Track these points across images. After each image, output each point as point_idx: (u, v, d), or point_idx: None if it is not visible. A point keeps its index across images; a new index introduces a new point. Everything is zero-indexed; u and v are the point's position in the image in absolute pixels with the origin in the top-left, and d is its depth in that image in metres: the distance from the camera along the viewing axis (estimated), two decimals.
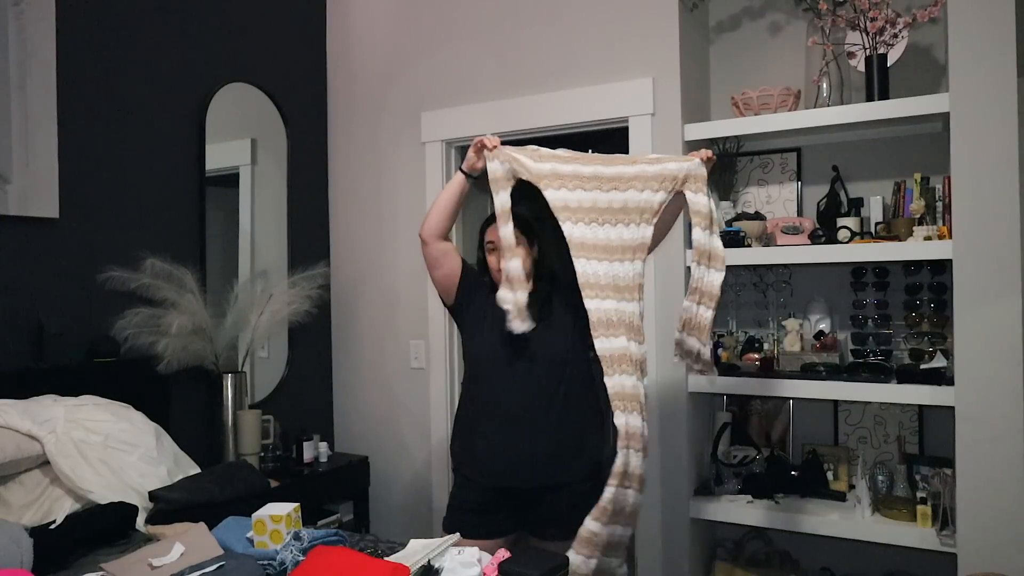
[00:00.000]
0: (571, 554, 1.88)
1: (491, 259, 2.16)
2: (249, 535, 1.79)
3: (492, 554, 1.69)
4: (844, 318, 2.76)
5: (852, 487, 2.64)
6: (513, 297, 1.94)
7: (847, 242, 2.50)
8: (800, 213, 2.85)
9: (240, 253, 3.19)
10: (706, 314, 1.94)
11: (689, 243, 2.17)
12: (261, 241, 3.26)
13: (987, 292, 2.21)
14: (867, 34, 2.49)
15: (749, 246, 2.66)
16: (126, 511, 2.00)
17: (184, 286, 2.65)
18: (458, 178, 2.09)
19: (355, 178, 3.50)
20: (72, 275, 2.53)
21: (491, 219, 2.17)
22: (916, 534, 2.36)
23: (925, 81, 2.63)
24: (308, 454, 3.04)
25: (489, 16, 3.13)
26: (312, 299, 3.02)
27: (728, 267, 2.78)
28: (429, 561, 1.67)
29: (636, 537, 2.67)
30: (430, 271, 2.18)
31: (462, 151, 3.29)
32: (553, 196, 1.95)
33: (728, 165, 2.91)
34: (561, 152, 2.01)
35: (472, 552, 1.67)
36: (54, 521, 1.93)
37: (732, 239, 2.63)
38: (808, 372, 2.57)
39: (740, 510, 2.62)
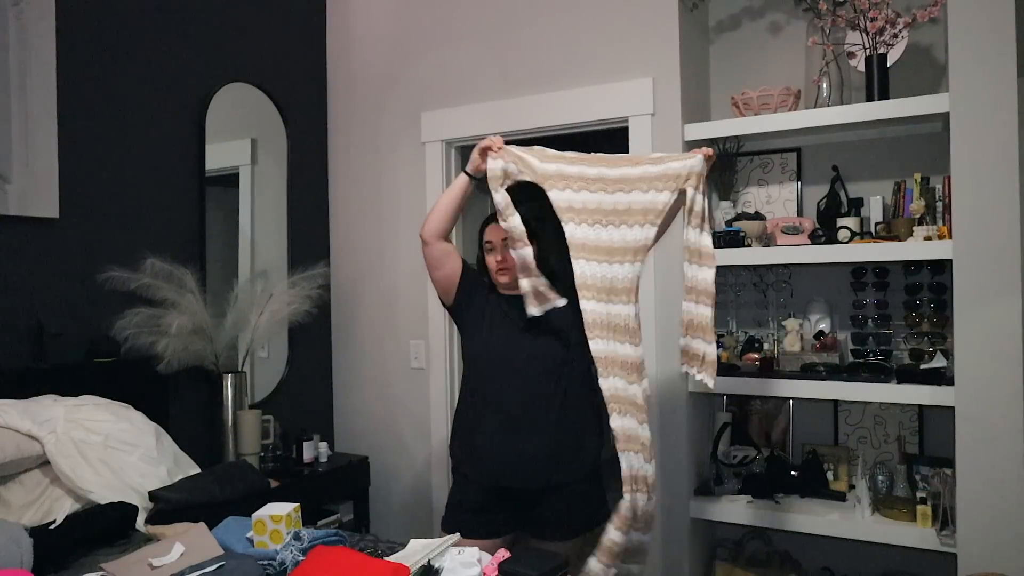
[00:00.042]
0: (592, 561, 1.89)
1: (490, 259, 2.16)
2: (249, 535, 1.79)
3: (491, 554, 1.70)
4: (844, 318, 2.76)
5: (852, 487, 2.64)
6: (531, 284, 1.95)
7: (847, 242, 2.50)
8: (800, 213, 2.85)
9: (240, 253, 3.19)
10: (705, 312, 1.94)
11: None
12: (261, 241, 3.26)
13: (987, 292, 2.21)
14: (867, 34, 2.49)
15: (749, 246, 2.66)
16: (126, 511, 2.00)
17: (184, 286, 2.65)
18: (461, 179, 2.09)
19: (355, 178, 3.50)
20: (72, 275, 2.53)
21: (490, 219, 2.17)
22: (916, 534, 2.36)
23: (925, 81, 2.63)
24: (308, 454, 3.04)
25: (489, 16, 3.13)
26: (312, 299, 3.02)
27: (728, 267, 2.84)
28: (429, 561, 1.67)
29: None
30: (430, 271, 2.18)
31: (462, 151, 3.29)
32: (557, 197, 1.95)
33: (728, 165, 2.91)
34: (567, 153, 2.01)
35: (472, 552, 1.67)
36: (54, 521, 1.93)
37: (732, 239, 2.63)
38: (808, 372, 2.57)
39: (740, 510, 2.62)
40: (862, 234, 2.55)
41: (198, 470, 2.37)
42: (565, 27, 2.96)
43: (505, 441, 2.05)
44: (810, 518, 2.51)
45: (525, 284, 1.97)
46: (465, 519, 2.07)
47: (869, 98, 2.50)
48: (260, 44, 3.25)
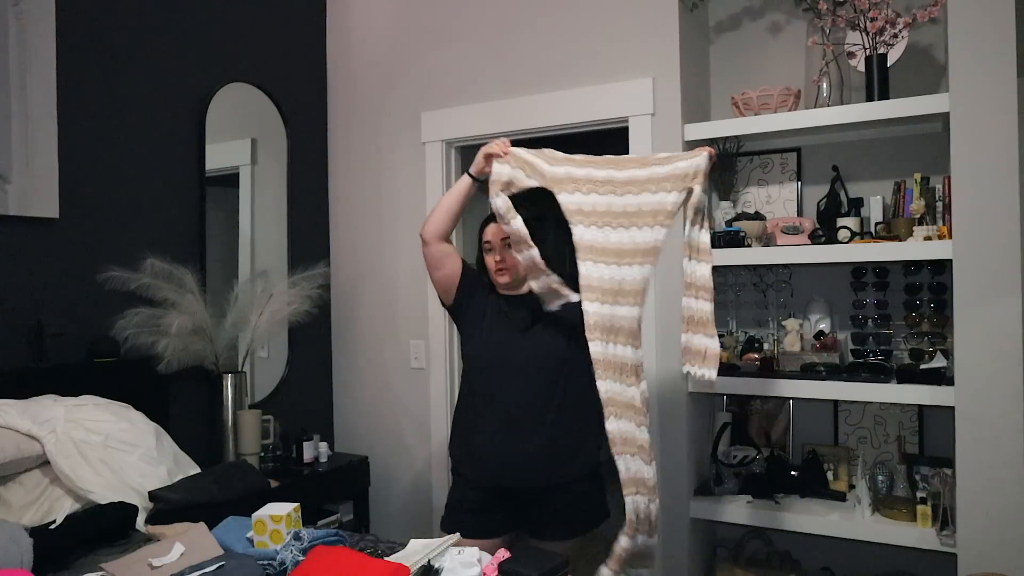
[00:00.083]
0: (603, 570, 1.88)
1: (489, 259, 2.16)
2: (249, 535, 1.79)
3: (491, 554, 1.70)
4: (844, 318, 2.76)
5: (852, 487, 2.64)
6: (543, 283, 1.96)
7: (847, 242, 2.50)
8: (800, 213, 2.85)
9: (240, 253, 3.19)
10: (705, 307, 1.93)
11: None
12: (261, 241, 3.26)
13: (987, 292, 2.21)
14: (867, 34, 2.49)
15: (749, 246, 2.66)
16: (126, 511, 2.00)
17: (184, 286, 2.65)
18: (465, 181, 2.09)
19: (355, 178, 3.50)
20: (72, 275, 2.53)
21: (489, 219, 2.17)
22: (916, 534, 2.36)
23: (925, 81, 2.63)
24: (308, 454, 3.04)
25: (489, 16, 3.13)
26: (312, 299, 3.02)
27: (728, 267, 2.84)
28: (429, 561, 1.67)
29: None
30: (430, 271, 2.18)
31: (462, 151, 3.29)
32: (567, 200, 1.94)
33: (728, 165, 2.91)
34: (575, 156, 2.01)
35: (472, 552, 1.67)
36: (54, 521, 1.93)
37: (732, 239, 2.63)
38: (808, 372, 2.57)
39: (740, 510, 2.62)
40: (862, 234, 2.55)
41: (198, 470, 2.37)
42: (565, 27, 2.96)
43: (504, 441, 2.05)
44: (810, 518, 2.51)
45: (537, 285, 1.98)
46: (464, 519, 2.07)
47: (869, 98, 2.50)
48: (260, 44, 3.25)
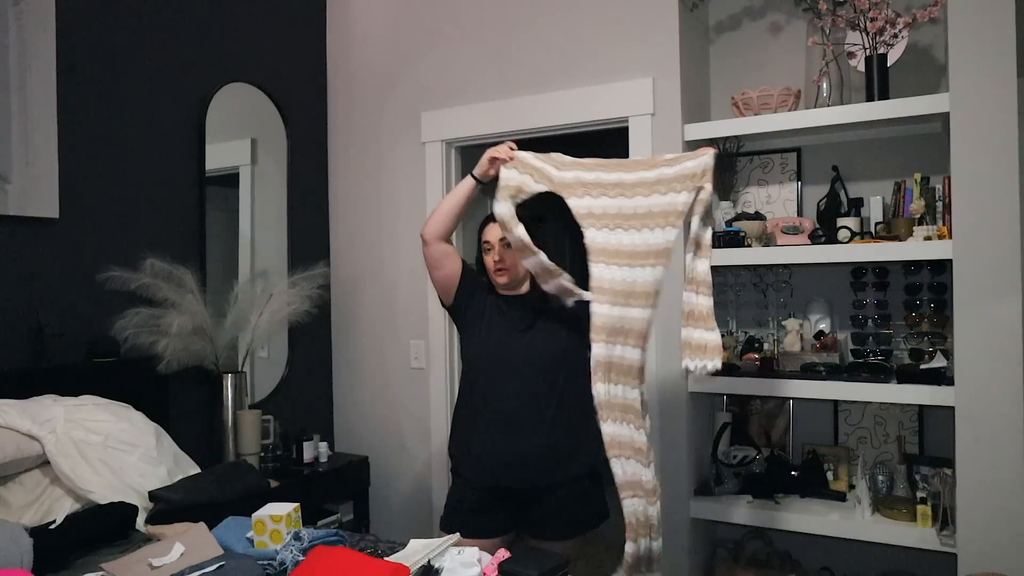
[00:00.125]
0: None
1: (488, 259, 2.16)
2: (249, 535, 1.79)
3: (490, 553, 1.70)
4: (844, 318, 2.76)
5: (852, 487, 2.64)
6: (556, 284, 1.97)
7: (847, 242, 2.50)
8: (800, 213, 2.85)
9: (240, 253, 3.19)
10: (704, 302, 1.93)
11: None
12: (261, 241, 3.26)
13: (987, 292, 2.21)
14: (867, 34, 2.49)
15: (749, 246, 2.66)
16: (126, 511, 2.00)
17: (184, 286, 2.65)
18: (468, 182, 2.09)
19: (355, 178, 3.50)
20: (72, 275, 2.53)
21: (488, 219, 2.17)
22: (916, 534, 2.36)
23: (925, 81, 2.63)
24: (308, 454, 3.04)
25: (489, 16, 3.13)
26: (312, 299, 3.02)
27: (728, 267, 2.84)
28: (429, 561, 1.67)
29: None
30: (430, 271, 2.18)
31: (462, 151, 3.29)
32: (577, 204, 1.94)
33: (728, 165, 2.91)
34: (584, 160, 2.01)
35: (472, 552, 1.67)
36: (54, 521, 1.93)
37: (732, 239, 2.63)
38: (808, 372, 2.57)
39: (740, 510, 2.62)
40: (862, 234, 2.55)
41: (198, 470, 2.37)
42: (565, 27, 2.96)
43: (502, 441, 2.05)
44: (810, 518, 2.51)
45: (550, 287, 1.99)
46: (464, 519, 2.08)
47: (869, 98, 2.50)
48: (260, 44, 3.25)
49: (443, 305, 2.23)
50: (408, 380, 3.34)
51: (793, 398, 2.81)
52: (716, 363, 1.90)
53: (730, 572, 2.75)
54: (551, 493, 2.07)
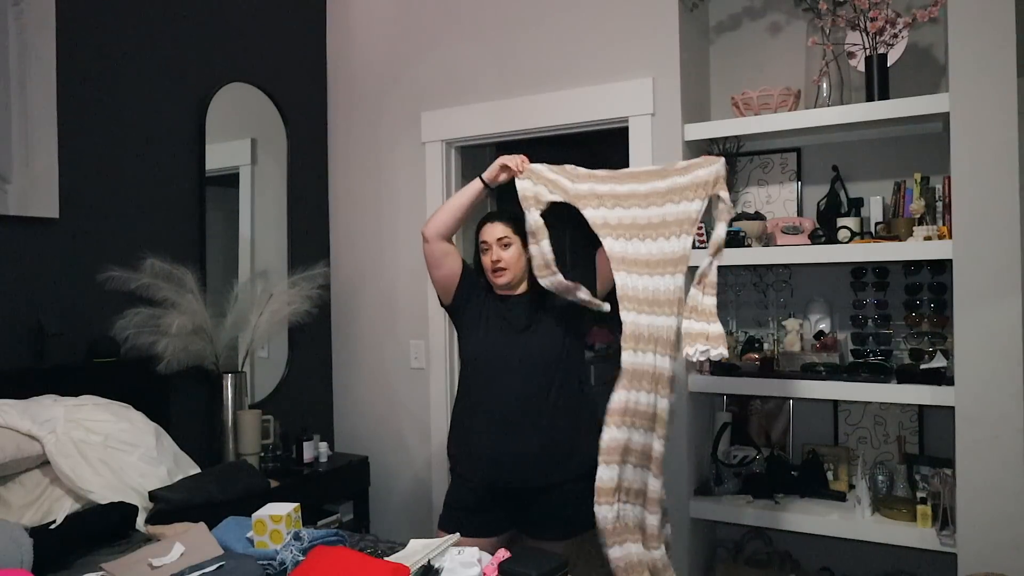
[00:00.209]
0: None
1: (485, 260, 2.16)
2: (249, 535, 1.80)
3: (488, 553, 1.70)
4: (844, 318, 2.76)
5: (852, 487, 2.64)
6: (579, 298, 2.01)
7: (847, 242, 2.50)
8: (800, 213, 2.85)
9: (240, 253, 3.19)
10: (709, 302, 1.93)
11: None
12: (261, 241, 3.26)
13: (987, 292, 2.21)
14: (867, 34, 2.49)
15: (749, 246, 2.66)
16: (126, 511, 2.00)
17: (184, 286, 2.65)
18: (476, 185, 2.09)
19: (355, 178, 3.50)
20: (72, 275, 2.53)
21: (486, 219, 2.18)
22: (916, 534, 2.36)
23: (925, 81, 2.63)
24: (308, 454, 3.04)
25: (489, 16, 3.13)
26: (312, 299, 3.02)
27: (728, 267, 2.84)
28: (429, 561, 1.67)
29: None
30: (430, 270, 2.18)
31: (462, 151, 3.29)
32: (592, 215, 1.96)
33: (728, 165, 2.91)
34: (597, 172, 2.03)
35: (472, 552, 1.67)
36: (54, 521, 1.94)
37: (732, 239, 2.62)
38: (808, 372, 2.57)
39: (740, 510, 2.62)
40: (862, 234, 2.55)
41: (198, 470, 2.37)
42: (565, 27, 2.96)
43: (500, 441, 2.06)
44: (810, 518, 2.51)
45: (569, 297, 2.02)
46: (462, 518, 2.08)
47: (869, 98, 2.49)
48: (260, 44, 3.25)
49: (442, 304, 2.23)
50: (408, 380, 3.34)
51: (793, 398, 2.81)
52: (720, 350, 1.87)
53: (730, 572, 2.75)
54: (548, 493, 2.08)
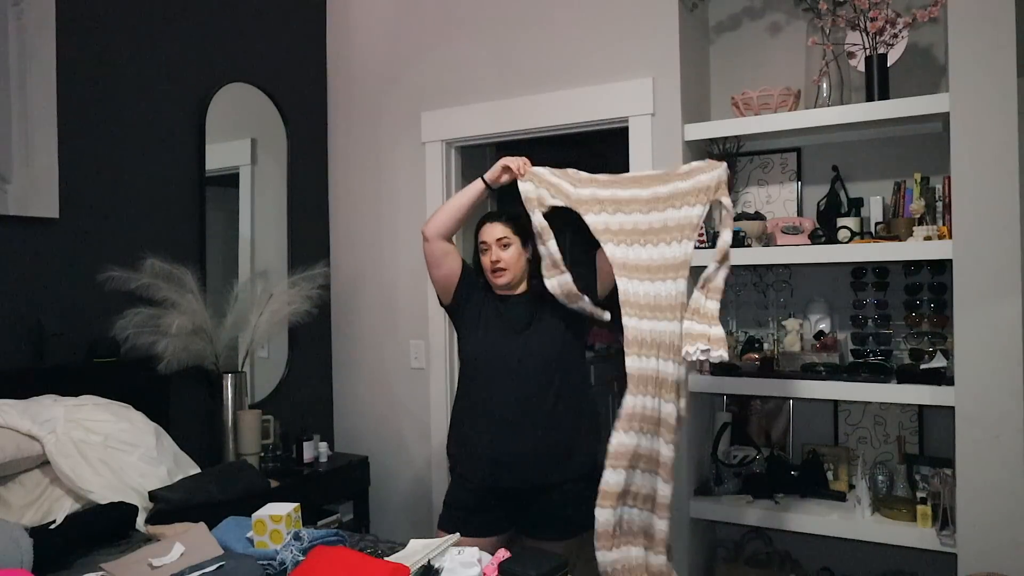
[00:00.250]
0: None
1: (484, 260, 2.16)
2: (249, 535, 1.80)
3: (487, 552, 1.70)
4: (844, 318, 2.76)
5: (852, 487, 2.64)
6: (582, 306, 2.03)
7: (847, 242, 2.50)
8: (800, 213, 2.85)
9: (240, 253, 3.19)
10: (712, 306, 1.92)
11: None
12: (261, 241, 3.26)
13: (987, 292, 2.21)
14: (867, 34, 2.49)
15: (749, 246, 2.66)
16: (126, 511, 2.00)
17: (184, 286, 2.65)
18: (478, 185, 2.10)
19: (355, 178, 3.50)
20: (72, 275, 2.53)
21: (485, 219, 2.18)
22: (916, 534, 2.36)
23: (925, 81, 2.63)
24: (308, 454, 3.04)
25: (489, 16, 3.13)
26: (312, 299, 3.02)
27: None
28: (429, 561, 1.67)
29: None
30: (429, 270, 2.18)
31: (462, 151, 3.29)
32: (594, 220, 1.96)
33: (728, 165, 2.90)
34: (598, 176, 2.03)
35: (472, 552, 1.67)
36: (54, 521, 1.94)
37: (732, 239, 2.62)
38: (808, 372, 2.57)
39: (740, 510, 2.62)
40: (862, 234, 2.55)
41: (198, 470, 2.37)
42: (565, 27, 2.96)
43: (499, 441, 2.06)
44: (810, 518, 2.51)
45: (576, 308, 2.03)
46: (461, 518, 2.08)
47: (869, 98, 2.49)
48: (260, 44, 3.25)
49: (442, 304, 2.24)
50: (408, 380, 3.34)
51: (793, 398, 2.81)
52: (721, 352, 1.86)
53: (730, 572, 2.75)
54: (547, 493, 2.08)
